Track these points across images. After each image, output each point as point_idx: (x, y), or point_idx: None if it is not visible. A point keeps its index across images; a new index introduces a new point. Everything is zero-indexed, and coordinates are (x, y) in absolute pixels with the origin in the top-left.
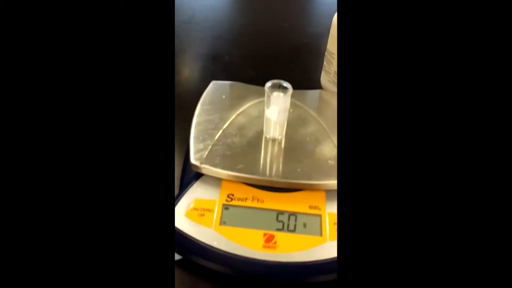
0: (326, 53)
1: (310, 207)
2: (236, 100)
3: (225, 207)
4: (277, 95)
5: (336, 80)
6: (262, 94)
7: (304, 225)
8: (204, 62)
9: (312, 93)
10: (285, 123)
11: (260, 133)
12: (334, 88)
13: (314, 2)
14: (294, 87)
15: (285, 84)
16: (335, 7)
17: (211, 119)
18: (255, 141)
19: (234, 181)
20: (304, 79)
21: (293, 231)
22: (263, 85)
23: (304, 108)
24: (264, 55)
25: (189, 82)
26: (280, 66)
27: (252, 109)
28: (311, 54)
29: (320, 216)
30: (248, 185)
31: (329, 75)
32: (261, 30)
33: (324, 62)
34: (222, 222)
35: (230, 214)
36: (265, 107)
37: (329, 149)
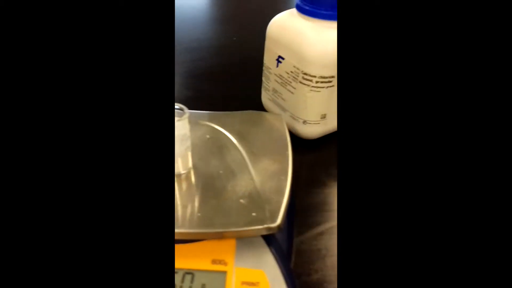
0: (263, 69)
1: (214, 261)
2: None
3: None
4: None
5: (275, 99)
6: None
7: (203, 287)
8: None
9: (240, 115)
10: (189, 154)
11: None
12: (275, 108)
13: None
14: (248, 106)
15: (178, 106)
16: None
17: None
18: None
19: None
20: (253, 97)
21: None
22: (201, 107)
23: (224, 133)
24: (210, 72)
25: None
26: (228, 82)
27: None
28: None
29: (225, 273)
30: None
31: (268, 93)
32: (205, 46)
33: (263, 79)
34: None
35: None
36: None
37: (243, 184)
